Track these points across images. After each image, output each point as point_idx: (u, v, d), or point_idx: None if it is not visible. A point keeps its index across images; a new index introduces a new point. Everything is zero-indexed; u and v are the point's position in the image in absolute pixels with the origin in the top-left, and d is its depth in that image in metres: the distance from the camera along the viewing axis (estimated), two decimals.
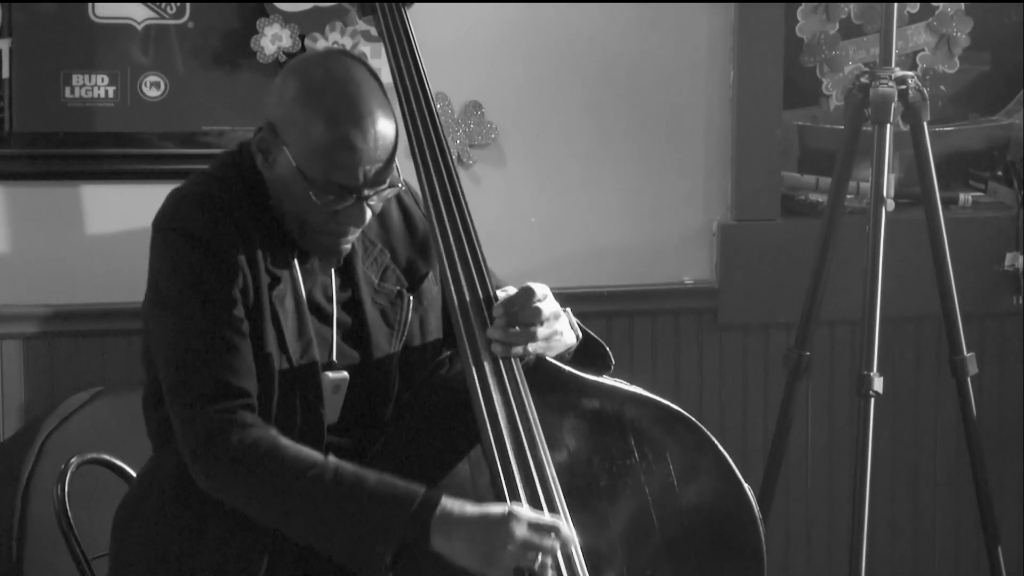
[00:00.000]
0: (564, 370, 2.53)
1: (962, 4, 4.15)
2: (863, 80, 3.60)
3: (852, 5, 4.10)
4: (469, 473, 2.46)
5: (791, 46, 4.08)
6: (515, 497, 2.39)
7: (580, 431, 2.51)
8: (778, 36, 4.03)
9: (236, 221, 2.49)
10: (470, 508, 2.35)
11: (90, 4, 3.57)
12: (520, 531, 2.33)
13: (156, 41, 3.62)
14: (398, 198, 2.67)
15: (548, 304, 2.50)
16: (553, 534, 2.35)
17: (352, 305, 2.59)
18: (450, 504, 2.35)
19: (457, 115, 3.80)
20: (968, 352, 3.67)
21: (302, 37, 3.65)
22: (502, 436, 2.41)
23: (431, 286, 2.66)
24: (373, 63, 3.59)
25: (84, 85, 3.59)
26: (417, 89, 2.60)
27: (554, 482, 2.41)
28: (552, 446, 2.45)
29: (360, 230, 2.54)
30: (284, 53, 3.63)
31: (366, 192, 2.48)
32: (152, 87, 3.63)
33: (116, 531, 2.63)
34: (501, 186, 3.85)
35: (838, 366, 4.07)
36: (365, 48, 3.66)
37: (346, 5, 3.64)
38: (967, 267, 3.92)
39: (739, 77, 3.98)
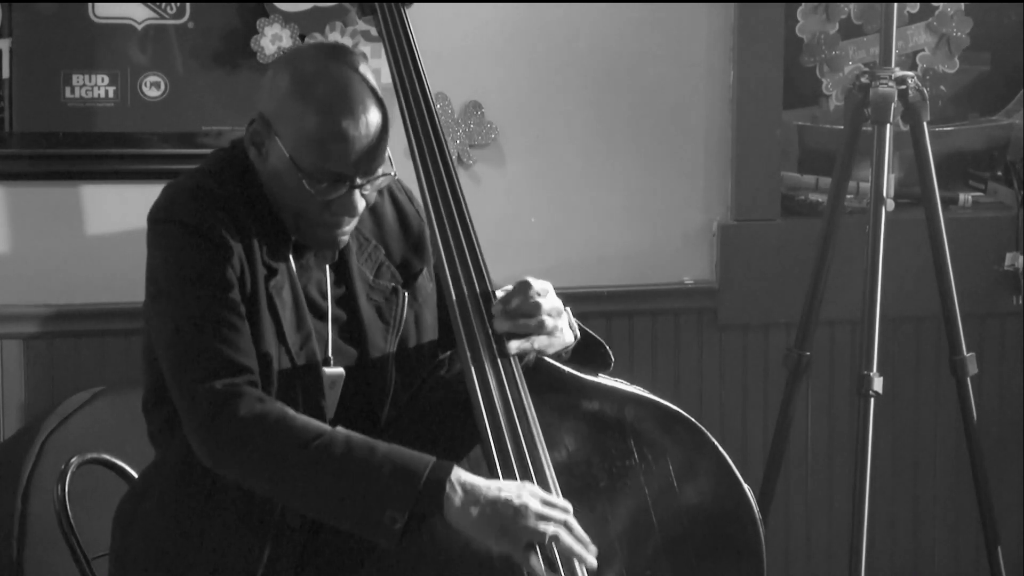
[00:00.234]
0: (563, 371, 2.53)
1: (962, 4, 4.15)
2: (863, 80, 3.60)
3: (852, 5, 4.10)
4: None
5: (791, 46, 4.08)
6: None
7: (579, 431, 2.51)
8: (778, 36, 4.03)
9: (231, 213, 2.50)
10: (482, 480, 2.36)
11: (90, 4, 3.57)
12: (533, 505, 2.33)
13: (156, 41, 3.62)
14: (392, 195, 2.69)
15: (549, 299, 2.51)
16: (562, 512, 2.35)
17: (347, 301, 2.60)
18: (462, 474, 2.35)
19: (457, 115, 3.80)
20: (968, 352, 3.67)
21: (302, 37, 3.65)
22: (502, 436, 2.41)
23: (426, 283, 2.67)
24: (373, 63, 3.60)
25: (84, 85, 3.59)
26: (417, 89, 2.60)
27: (553, 483, 2.41)
28: (551, 446, 2.45)
29: (355, 221, 2.55)
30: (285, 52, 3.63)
31: (359, 180, 2.49)
32: (152, 87, 3.63)
33: (116, 530, 2.64)
34: (501, 186, 3.85)
35: (838, 366, 4.07)
36: (365, 48, 3.66)
37: (346, 5, 3.64)
38: (967, 267, 3.92)
39: (739, 77, 3.98)
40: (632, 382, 2.60)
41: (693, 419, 2.55)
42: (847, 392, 3.93)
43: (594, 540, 2.40)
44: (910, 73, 3.63)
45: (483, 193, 3.79)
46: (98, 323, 3.58)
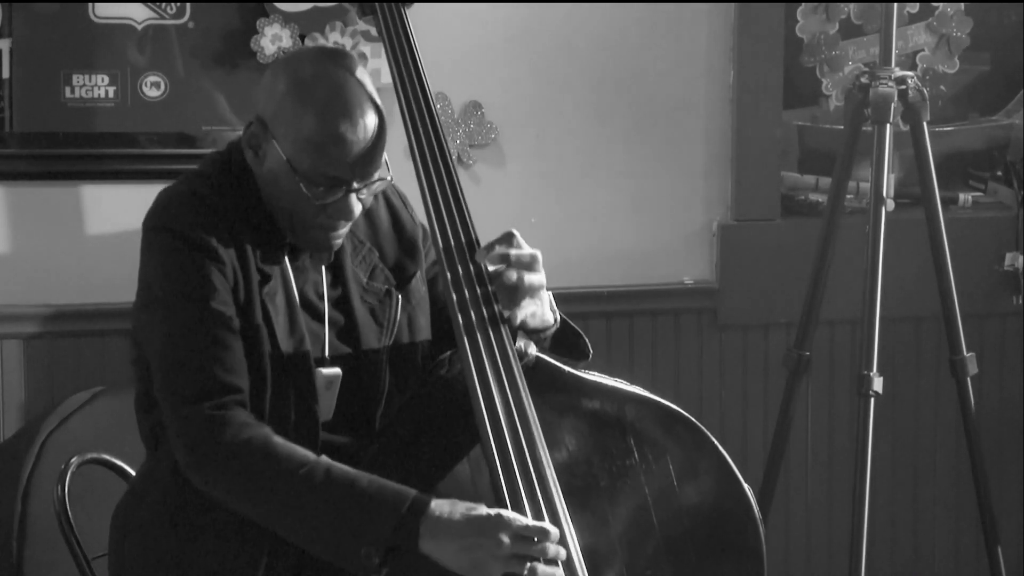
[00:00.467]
0: (563, 370, 2.53)
1: (962, 4, 4.15)
2: (863, 80, 3.60)
3: (852, 5, 4.10)
4: (469, 473, 2.46)
5: (791, 46, 4.08)
6: (515, 496, 2.38)
7: (580, 431, 2.51)
8: (778, 36, 4.03)
9: (225, 219, 2.50)
10: (459, 513, 2.35)
11: (90, 4, 3.57)
12: (507, 538, 2.32)
13: (156, 41, 3.62)
14: (386, 199, 2.69)
15: (537, 258, 2.51)
16: (539, 539, 2.34)
17: (342, 303, 2.61)
18: (439, 507, 2.35)
19: (457, 115, 3.80)
20: (968, 352, 3.67)
21: (302, 37, 3.65)
22: (502, 435, 2.41)
23: (419, 286, 2.68)
24: (373, 63, 3.62)
25: (84, 85, 3.59)
26: (417, 89, 2.60)
27: (553, 482, 2.41)
28: (551, 446, 2.45)
29: (350, 224, 2.56)
30: (284, 53, 3.63)
31: (356, 184, 2.49)
32: (152, 87, 3.63)
33: (114, 532, 2.64)
34: (501, 186, 3.85)
35: (838, 366, 4.07)
36: (365, 48, 3.66)
37: (346, 5, 3.64)
38: (967, 267, 3.92)
39: (739, 77, 3.98)
40: (632, 382, 2.60)
41: (693, 419, 2.55)
42: (847, 392, 3.93)
43: (594, 540, 2.40)
44: (910, 73, 3.63)
45: (483, 193, 3.79)
46: (98, 323, 3.58)
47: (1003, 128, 4.28)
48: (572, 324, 2.62)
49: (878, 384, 3.44)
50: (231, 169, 2.56)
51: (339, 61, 2.52)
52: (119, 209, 3.59)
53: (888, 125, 3.53)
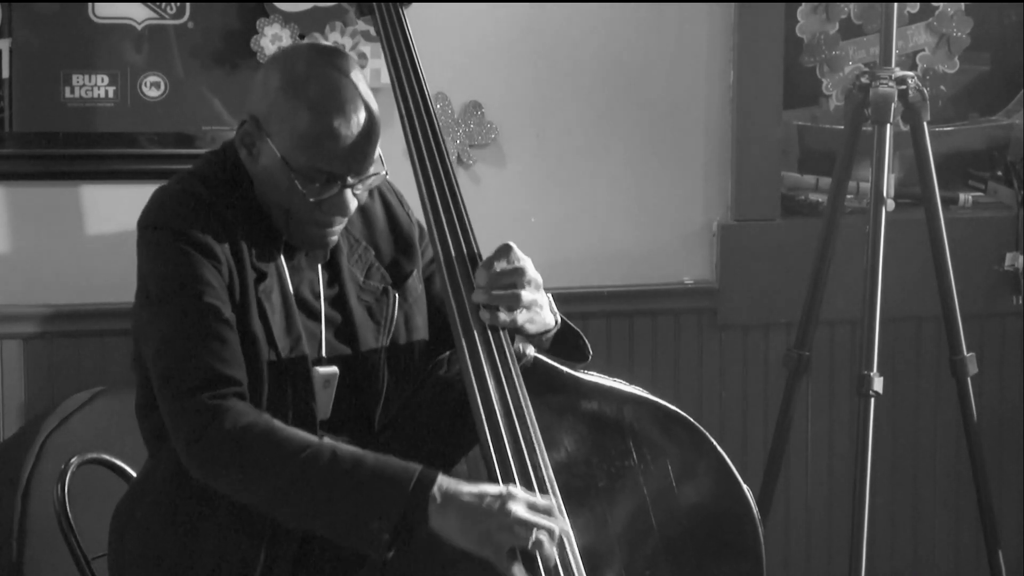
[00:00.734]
0: (562, 371, 2.53)
1: (962, 4, 4.15)
2: (863, 80, 3.60)
3: (852, 5, 4.10)
4: (467, 473, 2.46)
5: (791, 46, 4.08)
6: None
7: (578, 432, 2.51)
8: (778, 36, 4.03)
9: (220, 217, 2.50)
10: (467, 487, 2.35)
11: (90, 4, 3.57)
12: (516, 510, 2.32)
13: (156, 41, 3.62)
14: (382, 197, 2.69)
15: (529, 268, 2.50)
16: (547, 516, 2.34)
17: (339, 302, 2.61)
18: (447, 482, 2.35)
19: (457, 115, 3.80)
20: (968, 352, 3.67)
21: (302, 37, 3.65)
22: (500, 436, 2.41)
23: (415, 284, 2.68)
24: (372, 63, 3.63)
25: (84, 85, 3.59)
26: (415, 89, 2.60)
27: (551, 483, 2.41)
28: (550, 446, 2.45)
29: (345, 221, 2.56)
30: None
31: (351, 179, 2.50)
32: (152, 87, 3.63)
33: (114, 532, 2.64)
34: (501, 186, 3.85)
35: (838, 366, 4.07)
36: (365, 48, 3.66)
37: (345, 5, 3.64)
38: (967, 267, 3.92)
39: (739, 77, 3.98)
40: (632, 382, 2.60)
41: (692, 419, 2.55)
42: (847, 392, 3.93)
43: (593, 540, 2.40)
44: (910, 73, 3.63)
45: (483, 193, 3.79)
46: (98, 323, 3.58)
47: (1003, 128, 4.28)
48: (572, 325, 2.62)
49: (878, 384, 3.44)
50: (226, 168, 2.57)
51: (330, 58, 2.53)
52: (119, 209, 3.59)
53: (888, 125, 3.53)
